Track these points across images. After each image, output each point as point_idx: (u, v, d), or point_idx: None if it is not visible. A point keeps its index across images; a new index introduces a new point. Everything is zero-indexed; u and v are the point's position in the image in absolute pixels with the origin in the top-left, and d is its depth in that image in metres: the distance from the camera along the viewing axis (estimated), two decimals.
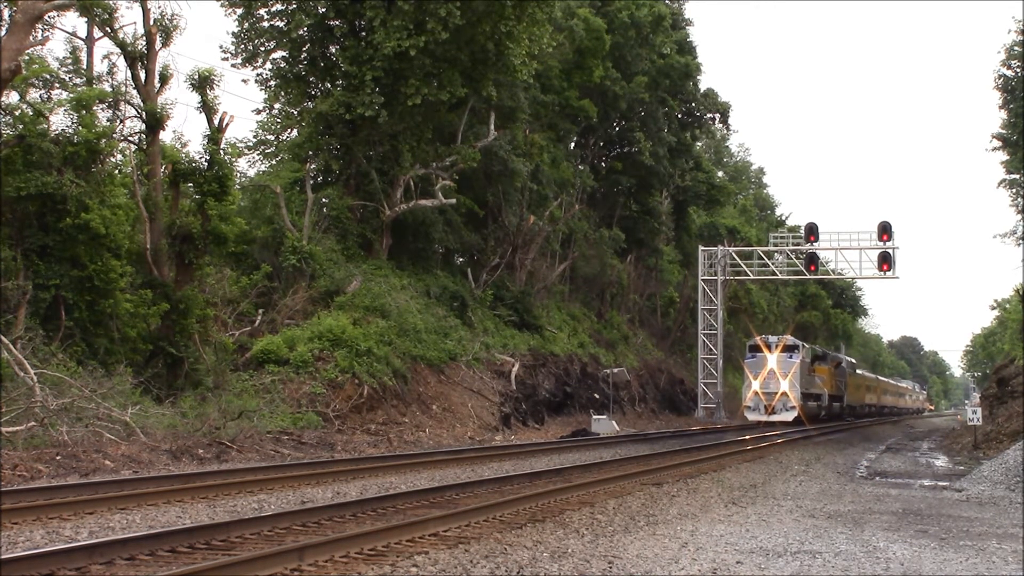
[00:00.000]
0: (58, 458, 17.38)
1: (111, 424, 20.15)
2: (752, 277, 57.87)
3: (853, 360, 75.48)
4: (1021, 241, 48.14)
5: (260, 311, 31.89)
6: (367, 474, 18.37)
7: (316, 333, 29.80)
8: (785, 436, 40.01)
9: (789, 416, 47.42)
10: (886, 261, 49.76)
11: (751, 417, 48.61)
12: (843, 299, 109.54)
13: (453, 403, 33.95)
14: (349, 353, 29.40)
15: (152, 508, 13.30)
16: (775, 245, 56.18)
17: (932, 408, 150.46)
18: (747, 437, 36.80)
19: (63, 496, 13.66)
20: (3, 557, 8.97)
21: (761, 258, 54.88)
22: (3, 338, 20.45)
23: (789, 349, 48.40)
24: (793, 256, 53.86)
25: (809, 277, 63.15)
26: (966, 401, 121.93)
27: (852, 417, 67.65)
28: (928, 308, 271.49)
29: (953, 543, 12.44)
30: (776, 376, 47.59)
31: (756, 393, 47.98)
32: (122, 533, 11.13)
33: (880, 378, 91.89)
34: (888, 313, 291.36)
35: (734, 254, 55.26)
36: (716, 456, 26.50)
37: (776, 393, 47.60)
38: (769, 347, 48.40)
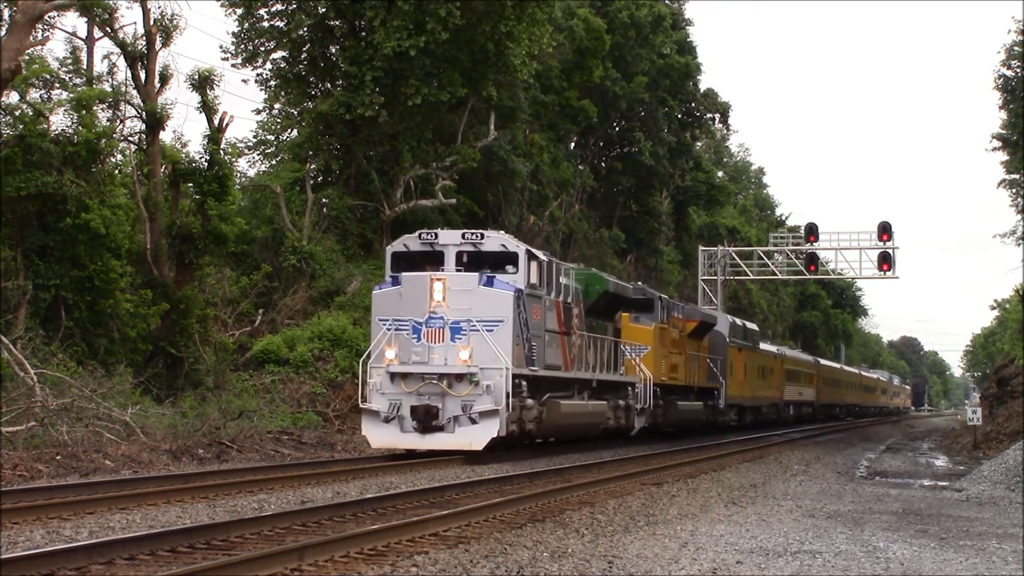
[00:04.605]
0: (58, 458, 17.38)
1: (111, 424, 20.16)
2: (752, 277, 57.83)
3: (752, 326, 45.95)
4: (1021, 241, 48.11)
5: (260, 311, 31.91)
6: (367, 474, 18.36)
7: (316, 333, 29.80)
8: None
9: (482, 435, 20.15)
10: (886, 261, 49.67)
11: (375, 439, 20.86)
12: (843, 299, 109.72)
13: None
14: (349, 353, 29.39)
15: (152, 508, 13.30)
16: (775, 245, 56.15)
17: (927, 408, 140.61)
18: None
19: (63, 496, 13.66)
20: (3, 557, 8.97)
21: (761, 258, 54.86)
22: (3, 338, 20.46)
23: (492, 263, 21.46)
24: (793, 256, 53.82)
25: (809, 277, 63.10)
26: (966, 401, 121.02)
27: (759, 426, 43.78)
28: (928, 308, 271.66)
29: (953, 543, 12.44)
30: (445, 329, 20.49)
31: (390, 374, 20.64)
32: (122, 533, 11.12)
33: (824, 362, 64.64)
34: (888, 313, 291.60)
35: (734, 254, 55.24)
36: (716, 456, 26.51)
37: (445, 377, 20.37)
38: (437, 258, 21.54)
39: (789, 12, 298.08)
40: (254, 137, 41.63)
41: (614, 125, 59.22)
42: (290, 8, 37.31)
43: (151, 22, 28.21)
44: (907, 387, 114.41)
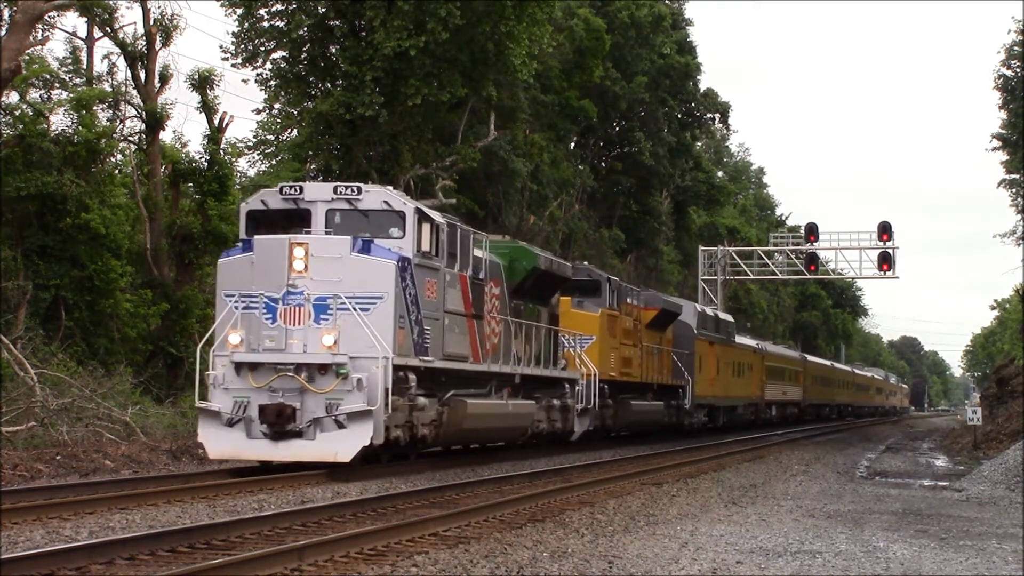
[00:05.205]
0: (58, 458, 17.37)
1: (111, 424, 20.18)
2: (752, 277, 57.89)
3: (727, 317, 41.85)
4: (1021, 241, 48.08)
5: None
6: (367, 474, 18.35)
7: None
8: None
9: (350, 443, 15.95)
10: (886, 261, 49.71)
11: (214, 447, 16.49)
12: (843, 299, 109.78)
13: None
14: None
15: (152, 508, 13.29)
16: (775, 245, 56.21)
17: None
18: None
19: (63, 496, 13.65)
20: (3, 557, 8.97)
21: (761, 258, 54.90)
22: (3, 338, 20.47)
23: (373, 225, 17.10)
24: (793, 256, 53.87)
25: (809, 277, 63.17)
26: (966, 401, 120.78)
27: (735, 429, 40.31)
28: (928, 308, 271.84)
29: (953, 543, 12.44)
30: (307, 307, 16.12)
31: (235, 364, 16.26)
32: (122, 533, 11.12)
33: (812, 359, 61.08)
34: (888, 313, 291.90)
35: (734, 254, 55.28)
36: (716, 456, 26.51)
37: (304, 368, 16.03)
38: (302, 218, 17.06)
39: (789, 12, 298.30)
40: (254, 137, 41.64)
41: (614, 125, 59.24)
42: (290, 8, 37.31)
43: (151, 22, 28.25)
44: (904, 386, 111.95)
